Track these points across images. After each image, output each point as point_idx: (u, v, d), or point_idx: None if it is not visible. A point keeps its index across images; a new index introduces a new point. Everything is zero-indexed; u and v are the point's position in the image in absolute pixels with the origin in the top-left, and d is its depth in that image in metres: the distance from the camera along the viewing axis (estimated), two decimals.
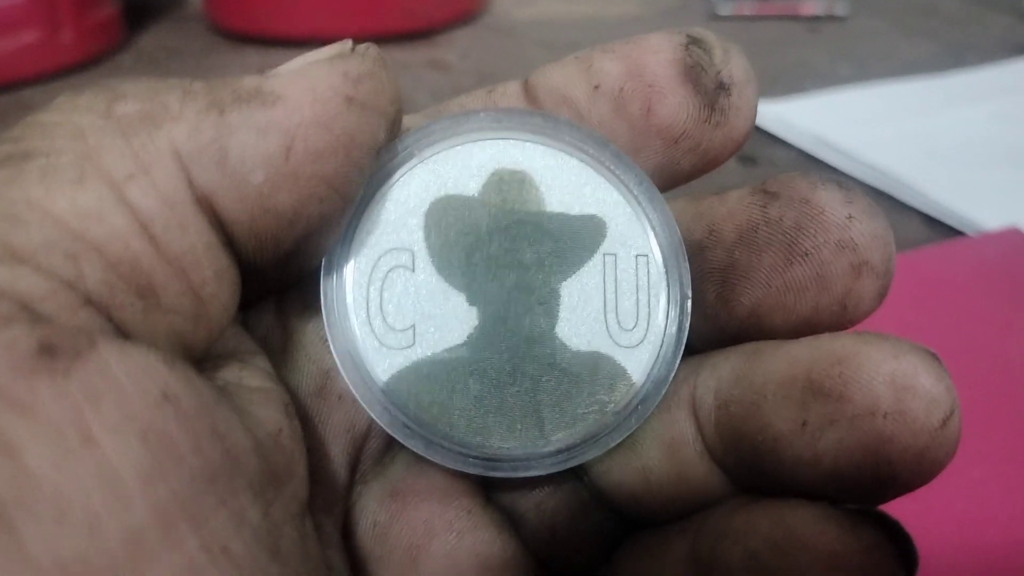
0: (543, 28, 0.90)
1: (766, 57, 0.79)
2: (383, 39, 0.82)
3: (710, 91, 0.18)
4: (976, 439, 0.33)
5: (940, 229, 0.50)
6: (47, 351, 0.12)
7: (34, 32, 0.70)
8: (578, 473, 0.19)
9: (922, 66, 0.74)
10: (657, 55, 0.18)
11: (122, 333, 0.14)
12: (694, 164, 0.19)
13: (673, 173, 0.19)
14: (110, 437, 0.12)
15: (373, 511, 0.19)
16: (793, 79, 0.72)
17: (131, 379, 0.13)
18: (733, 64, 0.18)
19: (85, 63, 0.75)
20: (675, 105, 0.18)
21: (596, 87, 0.19)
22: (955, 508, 0.31)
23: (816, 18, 0.90)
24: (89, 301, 0.13)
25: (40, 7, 0.70)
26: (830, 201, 0.17)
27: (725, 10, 0.92)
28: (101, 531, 0.12)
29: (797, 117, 0.62)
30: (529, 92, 0.20)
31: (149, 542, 0.12)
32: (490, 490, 0.20)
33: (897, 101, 0.66)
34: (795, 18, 0.90)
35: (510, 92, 0.20)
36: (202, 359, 0.16)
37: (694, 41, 0.18)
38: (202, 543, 0.12)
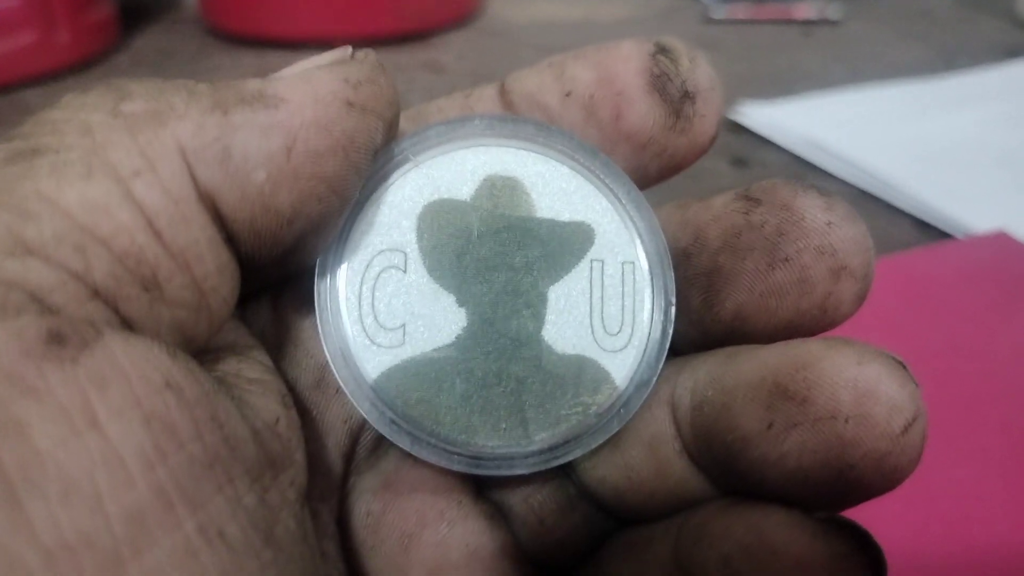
0: (537, 30, 0.91)
1: (759, 60, 0.79)
2: (378, 41, 0.82)
3: (675, 99, 0.19)
4: (961, 440, 0.34)
5: (930, 232, 0.50)
6: (56, 339, 0.13)
7: (30, 33, 0.70)
8: (564, 469, 0.20)
9: (914, 69, 0.75)
10: (627, 63, 0.19)
11: (127, 325, 0.14)
12: (660, 168, 0.20)
13: (641, 176, 0.20)
14: (114, 421, 0.12)
15: (367, 501, 0.19)
16: (786, 82, 0.73)
17: (135, 367, 0.13)
18: (698, 73, 0.19)
19: (81, 64, 0.75)
20: (642, 112, 0.19)
21: (568, 94, 0.19)
22: (937, 508, 0.31)
23: (809, 22, 0.91)
24: (96, 293, 0.14)
25: (36, 8, 0.70)
26: (810, 207, 0.17)
27: (719, 13, 0.93)
28: (103, 510, 0.12)
29: (789, 120, 0.63)
30: (504, 97, 0.20)
31: (148, 523, 0.12)
32: (480, 484, 0.20)
33: (888, 104, 0.67)
34: (788, 22, 0.91)
35: (486, 96, 0.20)
36: (202, 351, 0.16)
37: (662, 50, 0.19)
38: (199, 525, 0.13)
